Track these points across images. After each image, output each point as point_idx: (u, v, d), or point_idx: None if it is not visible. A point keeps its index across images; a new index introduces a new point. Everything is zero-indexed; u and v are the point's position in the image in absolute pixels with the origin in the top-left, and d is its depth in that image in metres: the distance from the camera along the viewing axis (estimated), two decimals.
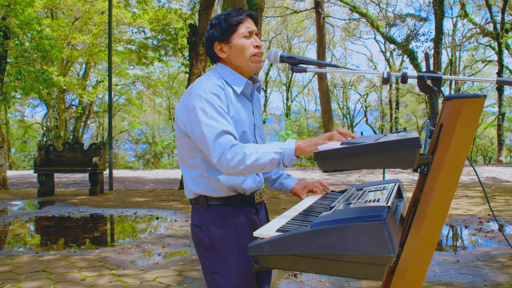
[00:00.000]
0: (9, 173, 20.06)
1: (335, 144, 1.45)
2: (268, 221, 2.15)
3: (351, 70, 1.88)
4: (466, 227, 6.64)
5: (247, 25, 1.95)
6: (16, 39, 12.74)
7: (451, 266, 4.60)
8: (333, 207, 1.72)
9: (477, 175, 1.71)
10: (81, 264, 4.90)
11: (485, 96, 1.55)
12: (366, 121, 38.84)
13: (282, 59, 1.90)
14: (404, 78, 1.74)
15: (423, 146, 1.35)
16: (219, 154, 1.72)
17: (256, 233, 1.55)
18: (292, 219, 1.70)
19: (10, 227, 7.25)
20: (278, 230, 1.55)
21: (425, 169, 1.65)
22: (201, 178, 1.91)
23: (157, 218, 7.88)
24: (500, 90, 24.87)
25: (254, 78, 2.08)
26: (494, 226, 6.63)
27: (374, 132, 38.06)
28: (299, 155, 1.69)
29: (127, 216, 8.23)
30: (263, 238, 1.52)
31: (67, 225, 7.33)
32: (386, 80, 1.74)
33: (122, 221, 7.84)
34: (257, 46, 1.95)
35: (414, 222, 1.61)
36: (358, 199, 1.80)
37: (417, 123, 38.82)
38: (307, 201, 2.12)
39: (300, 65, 1.89)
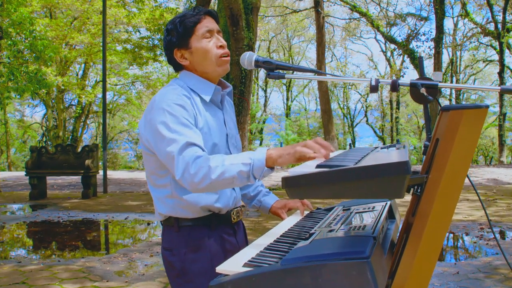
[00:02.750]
0: (5, 174, 19.87)
1: (309, 167, 1.22)
2: (246, 243, 1.95)
3: (334, 77, 1.66)
4: (467, 234, 6.41)
5: (206, 24, 1.74)
6: (9, 39, 12.51)
7: (451, 278, 4.38)
8: (313, 234, 1.50)
9: (479, 197, 1.49)
10: (64, 275, 4.68)
11: (487, 107, 1.33)
12: (367, 121, 38.55)
13: (257, 64, 1.67)
14: (395, 86, 1.52)
15: (411, 172, 1.13)
16: (182, 170, 1.52)
17: (218, 269, 1.32)
18: (265, 249, 1.47)
19: None
20: (245, 265, 1.33)
21: (419, 190, 1.44)
22: (170, 199, 1.73)
23: (148, 224, 7.66)
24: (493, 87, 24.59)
25: (223, 83, 1.88)
26: (495, 232, 6.40)
27: (375, 131, 37.84)
28: (272, 165, 1.48)
29: (118, 221, 8.00)
30: (226, 275, 1.31)
31: (55, 231, 7.11)
32: (374, 88, 1.52)
33: (112, 227, 7.62)
34: (221, 46, 1.75)
35: (405, 251, 1.40)
36: (342, 224, 1.58)
37: (418, 122, 38.57)
38: (288, 222, 1.90)
39: (278, 70, 1.67)
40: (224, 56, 1.76)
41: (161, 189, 1.74)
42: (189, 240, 1.73)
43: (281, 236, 1.64)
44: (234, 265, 1.33)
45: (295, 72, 1.66)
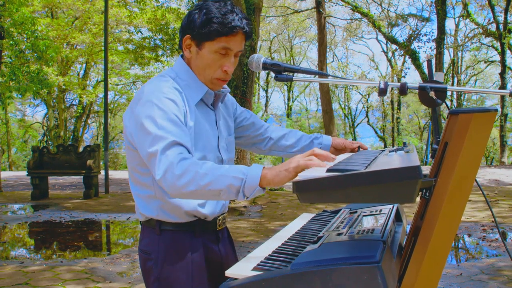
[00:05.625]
0: (6, 174, 19.88)
1: (319, 172, 1.22)
2: (233, 250, 1.88)
3: (342, 80, 1.65)
4: (469, 235, 6.40)
5: (230, 42, 1.58)
6: (11, 39, 12.52)
7: (454, 280, 4.37)
8: (321, 237, 1.49)
9: (485, 197, 1.49)
10: (66, 276, 4.68)
11: (496, 110, 1.33)
12: (368, 121, 38.55)
13: (265, 66, 1.66)
14: (404, 89, 1.52)
15: (423, 176, 1.12)
16: (165, 169, 1.38)
17: (228, 273, 1.32)
18: (273, 252, 1.47)
19: None
20: (254, 269, 1.32)
21: (427, 194, 1.43)
22: (153, 200, 1.62)
23: None
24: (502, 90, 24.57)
25: None
26: (498, 234, 6.39)
27: (376, 132, 37.83)
28: (266, 185, 1.37)
29: (120, 221, 8.00)
30: (235, 279, 1.30)
31: (57, 232, 7.11)
32: (382, 91, 1.52)
33: (114, 228, 7.62)
34: (225, 71, 1.63)
35: (413, 254, 1.39)
36: (350, 227, 1.57)
37: (419, 123, 38.57)
38: (295, 225, 1.89)
39: (286, 73, 1.67)
40: (221, 80, 1.66)
41: (144, 188, 1.64)
42: (170, 246, 1.63)
43: (289, 239, 1.64)
44: (243, 269, 1.32)
45: (301, 75, 1.66)
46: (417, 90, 1.50)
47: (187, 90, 1.64)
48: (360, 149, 1.96)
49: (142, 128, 1.49)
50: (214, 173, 1.36)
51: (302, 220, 1.98)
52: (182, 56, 1.72)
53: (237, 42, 1.61)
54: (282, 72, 1.65)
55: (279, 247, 1.53)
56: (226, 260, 1.76)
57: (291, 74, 1.67)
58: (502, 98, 24.98)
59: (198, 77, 1.66)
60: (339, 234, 1.48)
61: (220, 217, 1.75)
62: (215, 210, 1.70)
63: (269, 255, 1.44)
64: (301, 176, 1.18)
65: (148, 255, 1.65)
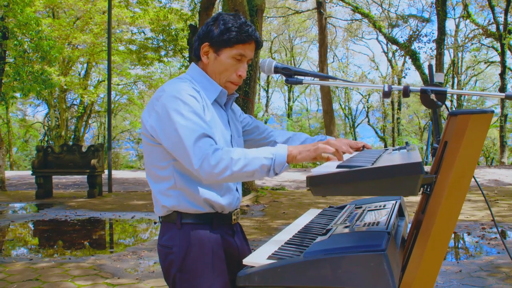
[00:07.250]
0: (9, 174, 19.97)
1: (330, 167, 1.33)
2: (247, 243, 1.98)
3: (349, 83, 1.76)
4: (469, 233, 6.51)
5: (245, 50, 1.76)
6: (15, 39, 12.64)
7: (454, 276, 4.48)
8: (330, 230, 1.61)
9: (484, 196, 1.60)
10: (75, 272, 4.79)
11: (492, 112, 1.44)
12: (368, 121, 38.66)
13: (277, 70, 1.78)
14: (406, 92, 1.63)
15: (424, 172, 1.24)
16: (201, 159, 1.52)
17: (245, 261, 1.44)
18: (285, 243, 1.59)
19: (5, 232, 7.15)
20: (269, 257, 1.44)
21: (428, 190, 1.54)
22: (173, 191, 1.71)
23: (155, 223, 7.77)
24: (502, 91, 24.67)
25: None
26: (498, 232, 6.51)
27: (376, 132, 37.92)
28: (291, 162, 1.55)
29: (125, 220, 8.12)
30: (252, 267, 1.42)
31: (63, 230, 7.23)
32: (387, 94, 1.62)
33: (119, 226, 7.74)
34: (239, 76, 1.79)
35: (415, 246, 1.50)
36: (356, 220, 1.69)
37: (419, 123, 38.66)
38: (304, 219, 2.01)
39: (296, 76, 1.78)
40: (235, 83, 1.82)
41: (163, 182, 1.72)
42: (191, 238, 1.71)
43: (299, 232, 1.76)
44: (259, 258, 1.44)
45: (309, 78, 1.77)
46: (419, 93, 1.62)
47: (203, 91, 1.77)
48: (365, 148, 2.07)
49: (169, 120, 1.60)
50: (247, 157, 1.53)
51: (309, 215, 2.09)
52: (195, 62, 1.86)
53: (251, 50, 1.79)
54: (292, 76, 1.77)
55: (290, 238, 1.64)
56: (242, 252, 1.85)
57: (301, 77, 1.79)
58: (502, 99, 25.08)
59: (213, 79, 1.80)
60: (346, 227, 1.59)
61: (234, 212, 1.85)
62: (232, 203, 1.80)
63: (282, 245, 1.55)
64: (314, 172, 1.30)
65: (169, 249, 1.73)
